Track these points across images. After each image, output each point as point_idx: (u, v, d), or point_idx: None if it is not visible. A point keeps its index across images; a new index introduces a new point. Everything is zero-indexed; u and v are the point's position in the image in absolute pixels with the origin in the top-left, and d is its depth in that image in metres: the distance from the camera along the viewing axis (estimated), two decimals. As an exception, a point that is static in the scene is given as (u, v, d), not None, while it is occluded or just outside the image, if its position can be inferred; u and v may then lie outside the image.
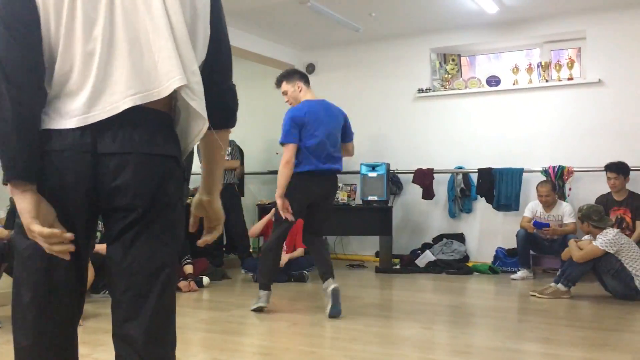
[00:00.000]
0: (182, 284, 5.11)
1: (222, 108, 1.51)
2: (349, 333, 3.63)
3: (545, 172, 6.34)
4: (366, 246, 7.29)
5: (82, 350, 3.23)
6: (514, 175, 6.50)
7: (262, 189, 7.95)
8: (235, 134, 6.75)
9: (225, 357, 3.10)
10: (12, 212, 4.82)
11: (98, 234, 4.85)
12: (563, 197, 6.22)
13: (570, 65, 6.49)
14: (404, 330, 3.84)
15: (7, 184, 1.33)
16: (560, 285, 4.95)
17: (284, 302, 4.73)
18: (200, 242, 1.63)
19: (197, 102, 1.38)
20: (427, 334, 3.69)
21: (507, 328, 3.85)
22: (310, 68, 7.91)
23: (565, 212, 5.98)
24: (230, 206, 6.14)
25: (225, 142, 1.56)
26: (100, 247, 4.64)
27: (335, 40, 7.51)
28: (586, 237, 5.13)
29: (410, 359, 3.12)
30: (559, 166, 6.29)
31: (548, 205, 6.02)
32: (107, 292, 4.81)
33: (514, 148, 6.68)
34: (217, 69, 1.47)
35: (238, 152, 6.37)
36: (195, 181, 6.68)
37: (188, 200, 6.01)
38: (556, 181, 6.22)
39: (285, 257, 5.64)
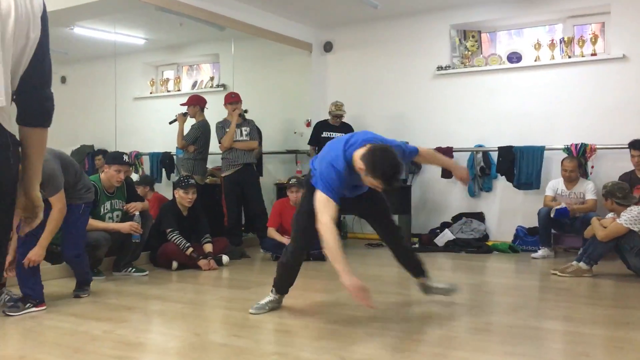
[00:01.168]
0: (202, 262, 5.14)
1: (41, 110, 1.75)
2: (368, 311, 3.62)
3: (567, 149, 6.24)
4: (385, 225, 7.26)
5: (105, 326, 3.31)
6: (535, 154, 6.42)
7: (280, 168, 7.95)
8: (253, 114, 6.75)
9: (245, 334, 3.12)
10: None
11: (119, 213, 4.90)
12: (585, 175, 6.13)
13: (593, 40, 6.35)
14: (423, 307, 3.83)
15: None
16: (582, 264, 4.90)
17: (303, 280, 4.73)
18: (20, 233, 1.90)
19: None
20: (447, 312, 3.68)
21: (528, 306, 3.82)
22: (328, 46, 7.85)
23: (587, 189, 5.90)
24: (249, 186, 6.17)
25: (42, 140, 1.78)
26: (121, 226, 4.71)
27: (352, 17, 7.43)
28: (609, 215, 5.06)
29: (430, 336, 3.11)
30: (582, 144, 6.19)
31: (570, 181, 5.94)
32: (128, 270, 4.90)
33: (535, 126, 6.58)
34: (38, 78, 1.73)
35: (256, 133, 6.36)
36: (213, 161, 6.71)
37: (207, 180, 6.02)
38: (578, 159, 6.13)
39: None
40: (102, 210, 4.77)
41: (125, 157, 4.77)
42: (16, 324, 3.40)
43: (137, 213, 4.86)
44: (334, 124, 6.96)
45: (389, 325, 3.32)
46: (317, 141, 6.97)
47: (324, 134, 6.88)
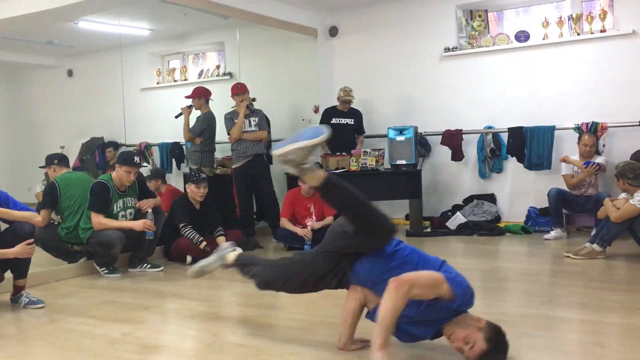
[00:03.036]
0: (215, 256, 5.18)
1: None
2: (382, 304, 3.65)
3: (578, 128, 6.19)
4: (396, 209, 7.26)
5: (123, 328, 3.35)
6: (546, 133, 6.37)
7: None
8: (260, 102, 6.73)
9: (261, 332, 3.15)
10: (50, 190, 4.92)
11: (132, 210, 4.94)
12: (597, 153, 6.08)
13: (602, 16, 6.25)
14: (437, 298, 3.85)
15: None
16: (595, 246, 4.89)
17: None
18: None
19: None
20: (461, 302, 3.69)
21: (542, 293, 3.83)
22: (333, 31, 7.78)
23: (599, 159, 5.86)
24: (260, 176, 6.17)
25: None
26: (135, 224, 4.74)
27: (357, 0, 7.35)
28: (622, 195, 5.04)
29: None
30: (593, 122, 6.13)
31: (587, 157, 5.89)
32: (144, 266, 4.95)
33: (545, 105, 6.52)
34: None
35: (265, 122, 6.34)
36: (223, 151, 6.71)
37: (217, 171, 6.03)
38: (591, 137, 6.07)
39: (316, 225, 5.68)
40: (115, 208, 4.80)
41: (136, 159, 4.79)
42: (37, 328, 3.46)
43: (149, 210, 4.89)
44: (343, 109, 6.93)
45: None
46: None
47: (334, 121, 6.86)
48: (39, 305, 3.87)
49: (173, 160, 8.32)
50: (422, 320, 2.58)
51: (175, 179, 8.35)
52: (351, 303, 2.78)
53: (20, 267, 3.92)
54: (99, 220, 4.69)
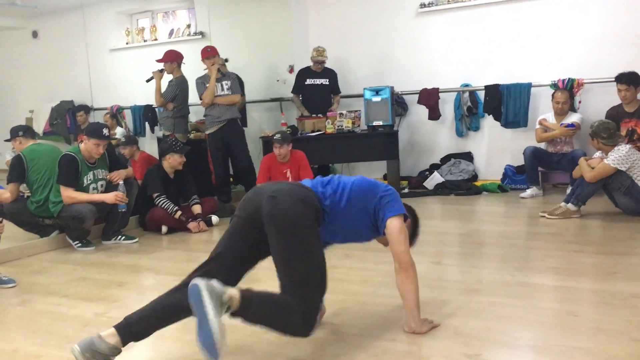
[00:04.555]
0: (191, 225, 5.13)
1: None
2: (359, 274, 3.65)
3: (554, 85, 6.15)
4: (373, 169, 7.23)
5: (96, 308, 3.31)
6: (522, 91, 6.33)
7: (265, 116, 7.81)
8: (233, 64, 6.56)
9: (237, 309, 3.12)
10: (17, 164, 4.77)
11: (103, 182, 4.83)
12: (573, 110, 6.06)
13: (579, -31, 6.12)
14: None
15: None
16: (570, 205, 4.92)
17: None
18: None
19: None
20: (437, 270, 3.70)
21: (517, 258, 3.85)
22: (306, -12, 7.55)
23: (573, 118, 5.85)
24: (234, 142, 6.06)
25: None
26: (106, 197, 4.64)
27: (330, -45, 7.11)
28: (597, 154, 5.04)
29: (422, 301, 3.08)
30: (569, 79, 6.09)
31: (561, 114, 5.89)
32: (118, 238, 4.88)
33: (521, 62, 6.45)
34: None
35: (238, 85, 6.18)
36: (197, 114, 6.55)
37: (191, 136, 5.90)
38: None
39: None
40: (85, 181, 4.69)
41: (105, 131, 4.65)
42: (7, 310, 3.40)
43: (121, 182, 4.78)
44: (317, 70, 6.78)
45: (380, 290, 3.34)
46: (300, 89, 6.83)
47: (308, 81, 6.73)
48: (10, 284, 3.80)
49: (146, 123, 8.15)
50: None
51: (149, 143, 8.19)
52: None
53: (-12, 246, 3.84)
54: (68, 194, 4.58)
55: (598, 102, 6.02)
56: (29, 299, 3.54)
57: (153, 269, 4.16)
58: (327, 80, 6.81)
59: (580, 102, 6.11)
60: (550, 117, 5.99)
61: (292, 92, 6.92)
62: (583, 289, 3.21)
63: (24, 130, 5.08)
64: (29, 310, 3.36)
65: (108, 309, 3.28)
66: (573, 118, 5.87)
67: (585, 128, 5.82)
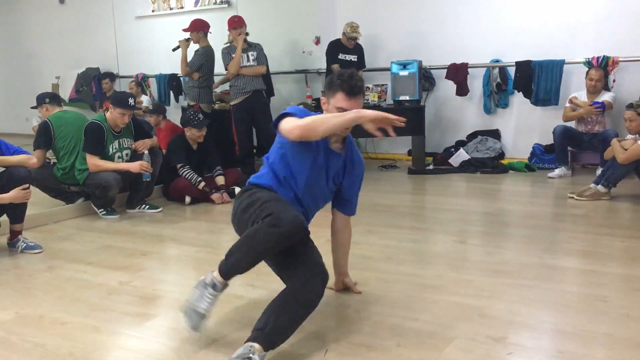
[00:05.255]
0: (215, 196, 5.13)
1: None
2: (382, 251, 3.62)
3: (588, 63, 5.98)
4: (398, 145, 7.16)
5: (121, 277, 3.33)
6: (555, 68, 6.16)
7: (291, 88, 7.74)
8: (257, 36, 6.46)
9: (260, 283, 3.10)
10: (44, 130, 4.80)
11: (128, 151, 4.84)
12: (607, 89, 5.89)
13: (621, -58, 5.89)
14: (437, 245, 3.81)
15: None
16: (600, 187, 4.81)
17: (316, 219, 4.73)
18: None
19: None
20: (461, 250, 3.66)
21: (544, 239, 3.78)
22: (335, -43, 7.38)
23: (605, 96, 5.69)
24: (259, 113, 6.02)
25: None
26: (131, 166, 4.66)
27: None
28: (629, 136, 4.91)
29: (446, 281, 3.08)
30: (604, 56, 5.91)
31: (593, 92, 5.73)
32: (142, 207, 4.91)
33: (554, 38, 6.26)
34: None
35: (264, 57, 6.11)
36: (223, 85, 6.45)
37: (216, 106, 5.87)
38: (601, 71, 5.87)
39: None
40: (110, 150, 4.70)
41: (131, 101, 4.63)
42: (34, 276, 3.44)
43: (145, 151, 4.78)
44: (348, 45, 6.63)
45: (403, 268, 3.30)
46: (334, 62, 6.64)
47: (340, 56, 6.59)
48: (37, 250, 3.85)
49: (171, 92, 8.15)
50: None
51: (173, 112, 8.20)
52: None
53: (16, 212, 3.87)
54: (94, 162, 4.60)
55: (634, 81, 5.85)
56: (55, 266, 3.58)
57: (176, 239, 4.17)
58: (356, 57, 6.69)
59: (614, 80, 5.93)
60: (582, 96, 5.84)
61: (330, 65, 6.67)
62: (612, 273, 3.14)
63: (51, 98, 5.09)
64: (55, 276, 3.40)
65: (132, 278, 3.30)
66: (605, 97, 5.71)
67: (618, 108, 5.67)
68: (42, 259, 3.75)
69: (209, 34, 6.21)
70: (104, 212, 4.78)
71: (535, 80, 6.23)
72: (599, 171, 5.34)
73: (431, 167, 6.48)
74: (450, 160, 6.52)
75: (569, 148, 5.90)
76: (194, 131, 5.22)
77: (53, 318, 2.78)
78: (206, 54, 6.10)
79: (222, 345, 2.41)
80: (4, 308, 2.92)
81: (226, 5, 7.61)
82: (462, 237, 3.91)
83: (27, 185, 3.76)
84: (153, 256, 3.78)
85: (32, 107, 5.23)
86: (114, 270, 3.44)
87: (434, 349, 2.31)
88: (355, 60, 6.67)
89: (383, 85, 6.39)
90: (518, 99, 6.55)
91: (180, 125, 5.48)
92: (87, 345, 2.47)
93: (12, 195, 3.70)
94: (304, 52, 7.39)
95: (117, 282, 3.24)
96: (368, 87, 6.30)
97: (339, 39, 6.67)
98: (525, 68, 6.26)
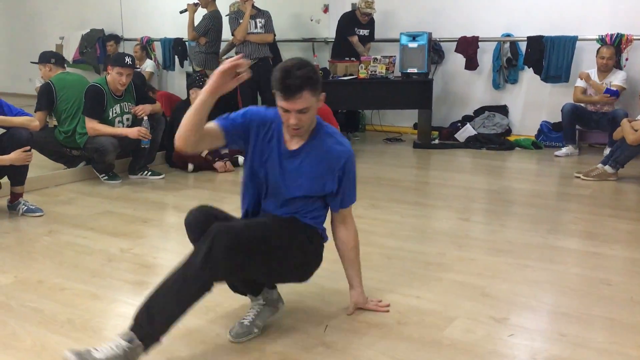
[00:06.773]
0: (218, 164, 5.09)
1: None
2: (385, 226, 3.59)
3: (601, 40, 5.85)
4: (404, 118, 7.08)
5: (122, 243, 3.31)
6: (567, 44, 6.04)
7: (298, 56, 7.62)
8: (265, 2, 6.33)
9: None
10: (46, 92, 4.73)
11: (129, 116, 4.78)
12: (619, 67, 5.78)
13: None
14: (441, 222, 3.77)
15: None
16: (607, 167, 4.76)
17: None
18: None
19: None
20: (465, 227, 3.62)
21: (548, 219, 3.74)
22: None
23: (617, 77, 5.59)
24: (265, 81, 5.91)
25: None
26: (129, 132, 4.60)
27: None
28: (640, 117, 4.83)
29: (449, 259, 3.06)
30: (617, 34, 5.79)
31: (605, 71, 5.63)
32: (144, 173, 4.86)
33: (567, 13, 6.13)
34: None
35: (272, 24, 6.00)
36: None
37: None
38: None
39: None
40: (110, 114, 4.63)
41: (127, 59, 4.53)
42: (35, 240, 3.42)
43: (145, 117, 4.71)
44: (362, 21, 6.50)
45: (406, 244, 3.27)
46: (350, 35, 6.51)
47: (356, 31, 6.48)
48: (37, 213, 3.83)
49: (176, 57, 8.04)
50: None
51: (178, 77, 8.11)
52: None
53: (17, 174, 3.84)
54: (92, 125, 4.54)
55: (647, 61, 5.74)
56: (56, 230, 3.56)
57: (178, 207, 4.14)
58: (368, 31, 6.58)
59: (627, 59, 5.82)
60: (593, 74, 5.72)
61: (348, 37, 6.55)
62: (617, 256, 3.10)
63: (56, 58, 5.01)
64: (55, 241, 3.38)
65: (133, 245, 3.28)
66: (617, 76, 5.60)
67: (630, 87, 5.58)
68: (43, 222, 3.73)
69: (216, -2, 6.09)
70: (106, 177, 4.74)
71: (546, 56, 6.12)
72: (606, 151, 5.27)
73: (437, 141, 6.41)
74: (456, 135, 6.45)
75: (577, 127, 5.82)
76: (199, 92, 5.14)
77: (52, 283, 2.77)
78: (213, 18, 5.99)
79: (220, 316, 2.39)
80: (4, 272, 2.91)
81: (235, -30, 7.45)
82: (466, 215, 3.87)
83: (28, 147, 3.72)
84: (154, 223, 3.75)
85: (33, 62, 5.10)
86: (115, 237, 3.42)
87: (434, 328, 2.29)
88: (367, 34, 6.57)
89: (392, 56, 6.27)
90: (527, 75, 6.45)
91: (175, 95, 5.40)
92: (85, 312, 2.46)
93: (13, 157, 3.67)
94: (312, 20, 7.26)
95: (118, 249, 3.22)
96: (376, 59, 6.19)
97: (354, 11, 6.52)
98: (537, 43, 6.14)
